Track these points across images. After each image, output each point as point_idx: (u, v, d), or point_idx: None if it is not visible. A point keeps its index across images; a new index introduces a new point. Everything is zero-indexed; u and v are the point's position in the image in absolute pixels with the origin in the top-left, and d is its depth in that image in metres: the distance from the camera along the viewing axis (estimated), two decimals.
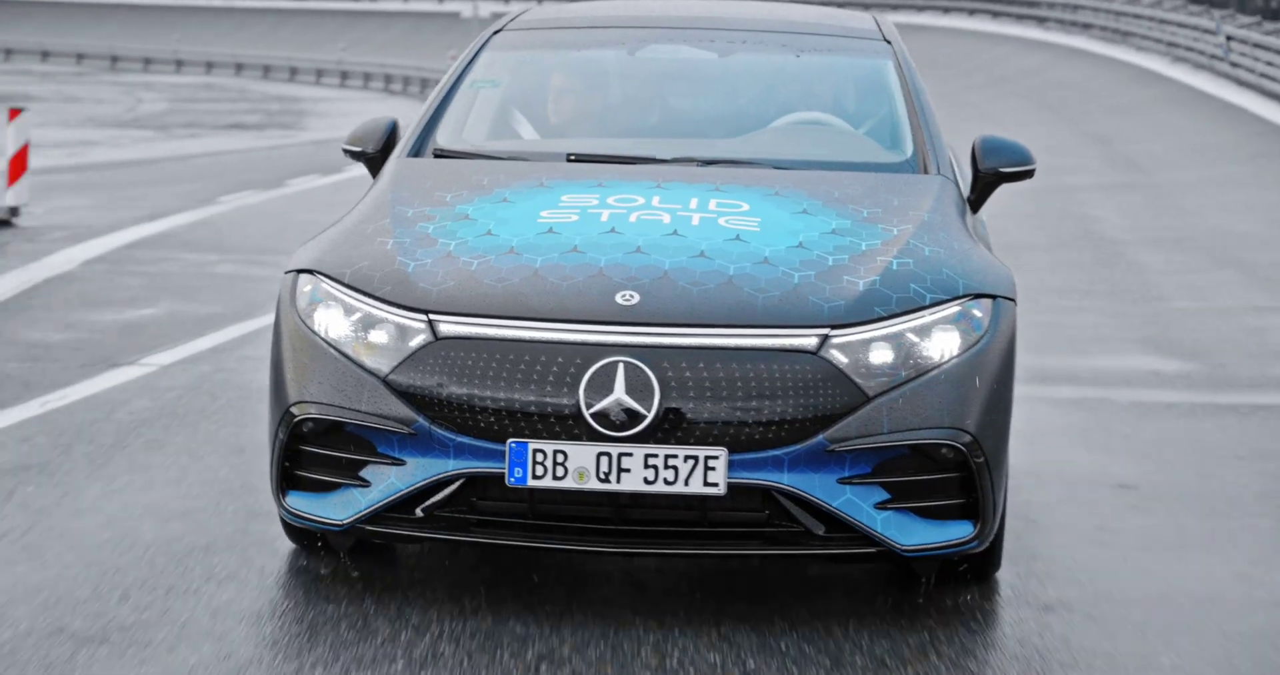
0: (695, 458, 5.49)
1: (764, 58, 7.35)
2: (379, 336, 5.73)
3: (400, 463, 5.66)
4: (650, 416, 5.49)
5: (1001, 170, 6.85)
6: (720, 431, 5.52)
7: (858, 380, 5.58)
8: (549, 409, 5.52)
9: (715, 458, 5.49)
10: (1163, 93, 43.60)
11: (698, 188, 6.36)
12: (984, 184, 6.88)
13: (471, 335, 5.64)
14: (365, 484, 5.73)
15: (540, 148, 7.07)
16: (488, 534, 5.70)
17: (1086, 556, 6.96)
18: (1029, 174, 6.94)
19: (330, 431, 5.77)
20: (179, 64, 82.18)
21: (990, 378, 5.75)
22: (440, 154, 6.91)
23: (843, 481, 5.56)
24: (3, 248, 16.88)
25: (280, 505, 5.94)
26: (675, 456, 5.49)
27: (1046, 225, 21.13)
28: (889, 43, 7.41)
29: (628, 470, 5.49)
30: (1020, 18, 65.75)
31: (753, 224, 6.06)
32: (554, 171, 6.64)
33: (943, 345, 5.72)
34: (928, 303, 5.75)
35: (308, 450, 5.83)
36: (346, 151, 7.03)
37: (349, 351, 5.75)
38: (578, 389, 5.51)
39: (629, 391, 5.49)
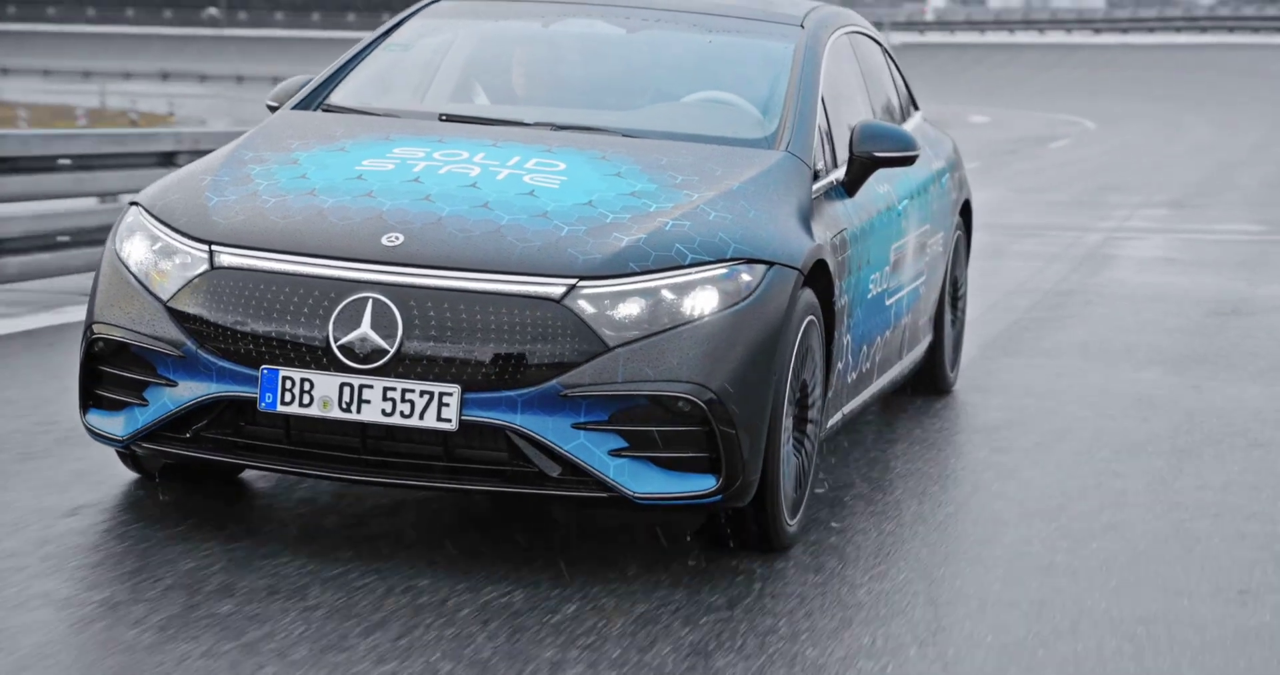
0: (430, 393, 5.61)
1: (671, 36, 7.42)
2: (168, 265, 5.94)
3: (173, 384, 5.85)
4: (392, 352, 5.62)
5: (875, 154, 6.95)
6: (458, 370, 5.62)
7: (599, 330, 5.65)
8: (300, 339, 5.68)
9: (449, 395, 5.61)
10: None
11: (529, 148, 6.44)
12: (858, 167, 6.96)
13: (244, 266, 5.83)
14: (145, 403, 5.92)
15: (421, 107, 7.23)
16: (249, 458, 5.85)
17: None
18: (907, 160, 7.04)
19: (119, 352, 5.98)
20: None
21: (749, 339, 5.78)
22: (329, 109, 7.07)
23: (577, 426, 5.63)
24: None
25: (82, 420, 6.12)
26: (412, 391, 5.61)
27: (1196, 162, 31.69)
28: (802, 28, 7.41)
29: (368, 402, 5.63)
30: None
31: (554, 182, 6.15)
32: (409, 127, 6.78)
33: (697, 304, 5.75)
34: (687, 262, 5.79)
35: (103, 369, 6.05)
36: (269, 107, 7.28)
37: (142, 277, 5.99)
38: (328, 322, 5.66)
39: (375, 327, 5.63)
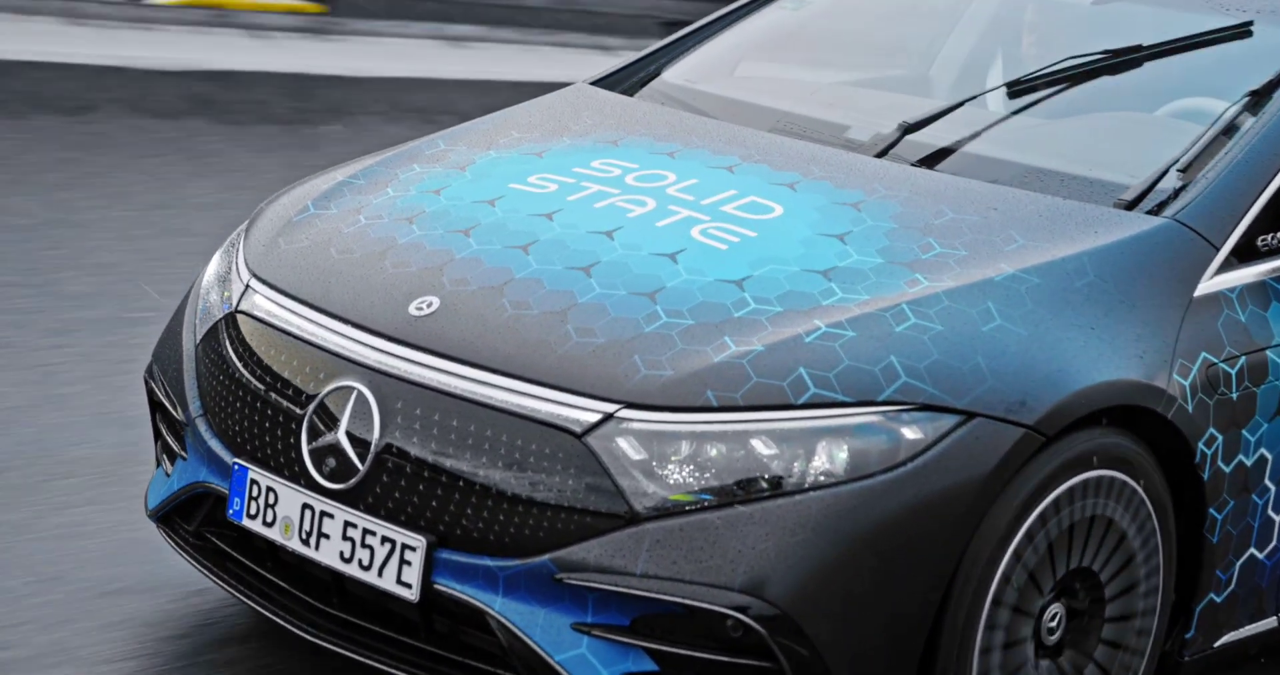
0: (393, 542, 3.91)
1: (1148, 11, 5.20)
2: (216, 296, 4.48)
3: (184, 458, 4.39)
4: (362, 472, 3.95)
5: None
6: (433, 515, 3.88)
7: (629, 488, 3.73)
8: (277, 432, 4.11)
9: (413, 549, 3.87)
10: None
11: (770, 176, 4.52)
12: None
13: (261, 315, 4.29)
14: (168, 476, 4.48)
15: (756, 100, 5.12)
16: (228, 578, 4.27)
17: None
18: None
19: (161, 405, 4.54)
20: None
21: (875, 531, 3.69)
22: (642, 88, 5.28)
23: (580, 628, 3.76)
24: None
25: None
26: (374, 534, 3.93)
27: None
28: None
29: (327, 536, 4.00)
30: None
31: (730, 239, 4.22)
32: (667, 128, 4.86)
33: (805, 467, 3.73)
34: (801, 401, 3.74)
35: (158, 423, 4.60)
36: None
37: (196, 308, 4.55)
38: (305, 414, 4.05)
39: (351, 431, 3.98)
